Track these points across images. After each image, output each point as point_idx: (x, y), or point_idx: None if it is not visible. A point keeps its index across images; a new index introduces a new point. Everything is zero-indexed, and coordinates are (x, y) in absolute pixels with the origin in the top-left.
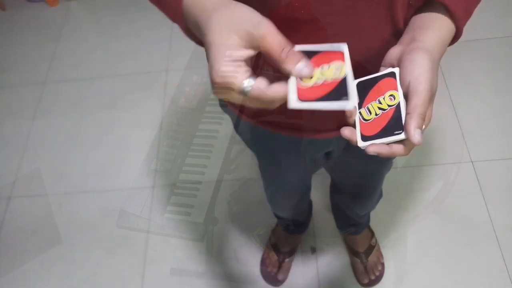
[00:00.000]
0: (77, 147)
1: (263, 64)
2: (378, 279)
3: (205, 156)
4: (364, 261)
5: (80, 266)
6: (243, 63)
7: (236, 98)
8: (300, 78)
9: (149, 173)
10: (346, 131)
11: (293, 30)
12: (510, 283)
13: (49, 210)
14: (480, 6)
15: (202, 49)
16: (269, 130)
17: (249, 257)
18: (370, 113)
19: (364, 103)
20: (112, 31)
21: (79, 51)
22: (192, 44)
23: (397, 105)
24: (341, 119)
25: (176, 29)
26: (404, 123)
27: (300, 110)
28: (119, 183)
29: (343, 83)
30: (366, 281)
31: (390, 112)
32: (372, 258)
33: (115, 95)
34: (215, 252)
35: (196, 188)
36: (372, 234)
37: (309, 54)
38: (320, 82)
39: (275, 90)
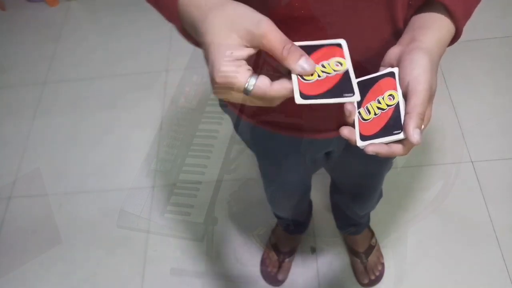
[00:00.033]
0: (77, 147)
1: (263, 63)
2: (378, 279)
3: (205, 156)
4: (364, 261)
5: (80, 266)
6: (244, 62)
7: (237, 98)
8: (302, 74)
9: (149, 173)
10: (345, 131)
11: (293, 30)
12: (510, 283)
13: (49, 210)
14: (480, 6)
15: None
16: (269, 130)
17: (249, 257)
18: (369, 112)
19: (363, 103)
20: (112, 31)
21: (79, 51)
22: None
23: (396, 105)
24: (341, 119)
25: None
26: (403, 123)
27: (299, 109)
28: (119, 183)
29: (345, 76)
30: (366, 281)
31: (389, 112)
32: (372, 258)
33: (115, 95)
34: (215, 252)
35: (196, 188)
36: (372, 234)
37: (308, 50)
38: (322, 77)
39: (277, 88)
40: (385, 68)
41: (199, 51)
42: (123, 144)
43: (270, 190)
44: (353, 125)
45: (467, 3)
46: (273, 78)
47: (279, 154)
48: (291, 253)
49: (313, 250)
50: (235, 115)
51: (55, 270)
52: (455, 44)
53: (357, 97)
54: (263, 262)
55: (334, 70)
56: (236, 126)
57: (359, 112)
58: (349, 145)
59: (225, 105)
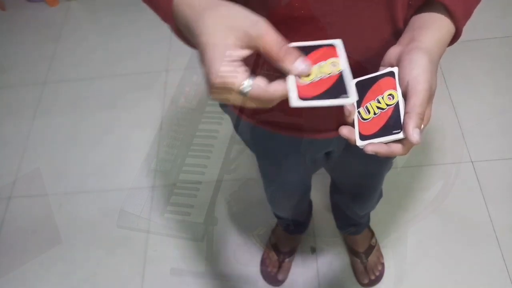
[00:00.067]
0: (77, 147)
1: (263, 64)
2: (378, 279)
3: (205, 156)
4: (364, 261)
5: (80, 266)
6: (241, 63)
7: (234, 99)
8: (298, 76)
9: (149, 173)
10: (344, 130)
11: (293, 30)
12: (510, 283)
13: (49, 210)
14: (480, 6)
15: None
16: (269, 130)
17: (249, 257)
18: (369, 112)
19: (363, 103)
20: (112, 31)
21: (79, 51)
22: None
23: (396, 104)
24: (341, 118)
25: None
26: (403, 123)
27: (300, 109)
28: (119, 183)
29: (341, 78)
30: (366, 281)
31: (389, 112)
32: (372, 258)
33: (115, 95)
34: (215, 252)
35: (196, 188)
36: (372, 234)
37: (305, 51)
38: (317, 79)
39: (274, 89)
40: (385, 68)
41: None
42: (123, 144)
43: (270, 190)
44: (352, 125)
45: (467, 3)
46: (272, 78)
47: (279, 154)
48: (291, 253)
49: (313, 250)
50: (235, 115)
51: (55, 270)
52: (455, 44)
53: (352, 99)
54: (263, 262)
55: (331, 71)
56: (236, 126)
57: (358, 112)
58: (349, 145)
59: (225, 105)
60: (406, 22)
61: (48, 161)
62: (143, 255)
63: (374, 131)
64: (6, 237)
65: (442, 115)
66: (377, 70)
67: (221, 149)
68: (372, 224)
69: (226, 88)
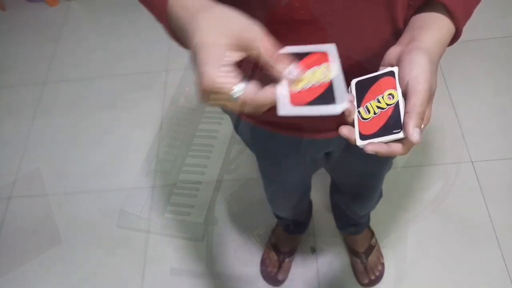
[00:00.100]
0: (77, 147)
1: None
2: (378, 279)
3: (205, 156)
4: (364, 261)
5: (80, 266)
6: (233, 67)
7: (225, 104)
8: (289, 82)
9: (149, 173)
10: (344, 130)
11: (293, 30)
12: (510, 283)
13: (49, 210)
14: (480, 6)
15: None
16: (269, 130)
17: (249, 257)
18: (369, 112)
19: (363, 102)
20: (112, 31)
21: (79, 51)
22: None
23: (396, 104)
24: (341, 118)
25: None
26: (403, 122)
27: None
28: (119, 183)
29: (331, 86)
30: (366, 281)
31: (389, 111)
32: (372, 258)
33: (115, 95)
34: (215, 252)
35: (196, 188)
36: (372, 234)
37: (299, 56)
38: (308, 86)
39: (264, 95)
40: (385, 68)
41: None
42: (123, 144)
43: (270, 190)
44: (352, 124)
45: (467, 3)
46: (266, 82)
47: (279, 154)
48: (291, 253)
49: (313, 250)
50: (235, 115)
51: (55, 270)
52: (455, 44)
53: (338, 108)
54: (263, 262)
55: (322, 78)
56: (236, 126)
57: (358, 111)
58: (349, 145)
59: None
60: (406, 22)
61: (48, 161)
62: (143, 255)
63: (374, 131)
64: (6, 237)
65: (442, 115)
66: (377, 70)
67: (221, 149)
68: (372, 224)
69: (216, 93)
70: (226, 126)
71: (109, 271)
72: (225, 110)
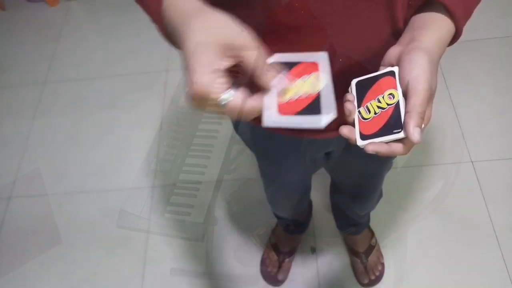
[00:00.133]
0: (77, 147)
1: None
2: (378, 279)
3: (205, 156)
4: (364, 261)
5: (80, 266)
6: (222, 74)
7: (212, 110)
8: (277, 92)
9: (149, 173)
10: (344, 130)
11: (293, 30)
12: (510, 283)
13: (49, 210)
14: (480, 6)
15: None
16: (269, 130)
17: (249, 257)
18: (369, 112)
19: (363, 102)
20: (112, 31)
21: (79, 51)
22: None
23: (396, 104)
24: (342, 119)
25: None
26: (403, 122)
27: None
28: (119, 183)
29: (319, 97)
30: (366, 281)
31: (389, 111)
32: (372, 258)
33: (115, 95)
34: (215, 252)
35: (196, 188)
36: (372, 234)
37: (289, 65)
38: (295, 97)
39: (251, 105)
40: (385, 68)
41: None
42: (123, 144)
43: (270, 190)
44: (353, 124)
45: (467, 3)
46: (257, 89)
47: (279, 154)
48: (291, 253)
49: (313, 250)
50: None
51: (55, 270)
52: (455, 44)
53: (324, 121)
54: (263, 262)
55: (310, 88)
56: (236, 126)
57: (359, 111)
58: (349, 145)
59: None
60: (406, 22)
61: (48, 161)
62: (143, 255)
63: (375, 131)
64: (6, 237)
65: (442, 115)
66: (377, 70)
67: (221, 149)
68: (372, 224)
69: (205, 98)
70: (226, 126)
71: (109, 271)
72: None
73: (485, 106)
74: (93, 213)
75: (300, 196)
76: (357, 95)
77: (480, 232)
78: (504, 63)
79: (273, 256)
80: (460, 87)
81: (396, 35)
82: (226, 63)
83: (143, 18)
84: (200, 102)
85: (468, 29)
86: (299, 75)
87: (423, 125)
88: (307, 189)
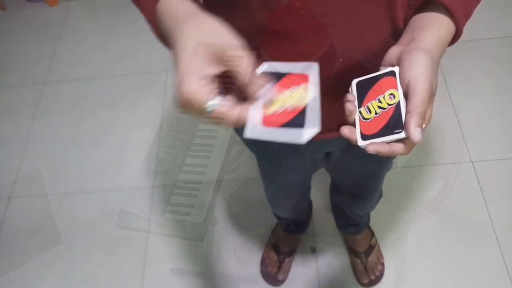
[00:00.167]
0: (77, 147)
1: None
2: (378, 279)
3: (205, 156)
4: (364, 261)
5: (80, 266)
6: (210, 81)
7: (199, 116)
8: (263, 104)
9: (149, 173)
10: (345, 130)
11: (293, 30)
12: (510, 283)
13: (49, 210)
14: (480, 6)
15: None
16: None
17: (249, 257)
18: (370, 112)
19: (364, 102)
20: (112, 31)
21: (79, 51)
22: None
23: (397, 104)
24: (342, 119)
25: None
26: (404, 122)
27: None
28: (119, 183)
29: (305, 110)
30: (366, 281)
31: (390, 111)
32: (372, 258)
33: (115, 95)
34: (215, 252)
35: (196, 188)
36: (372, 234)
37: (278, 75)
38: (281, 109)
39: (237, 113)
40: (386, 68)
41: None
42: (123, 144)
43: (270, 190)
44: (353, 125)
45: (467, 3)
46: (245, 98)
47: (279, 154)
48: (291, 253)
49: (313, 250)
50: None
51: (55, 270)
52: (455, 44)
53: (305, 134)
54: (263, 262)
55: (296, 101)
56: None
57: (359, 112)
58: (349, 145)
59: None
60: (406, 22)
61: (48, 161)
62: (143, 255)
63: (376, 131)
64: (6, 237)
65: (442, 115)
66: (377, 70)
67: (221, 149)
68: (372, 224)
69: (191, 105)
70: None
71: (109, 271)
72: None
73: (485, 106)
74: (93, 213)
75: (300, 196)
76: (357, 95)
77: (480, 232)
78: (504, 63)
79: (273, 256)
80: (460, 87)
81: (396, 35)
82: (215, 70)
83: (143, 18)
84: (187, 107)
85: (468, 29)
86: (288, 86)
87: (424, 125)
88: (307, 189)
